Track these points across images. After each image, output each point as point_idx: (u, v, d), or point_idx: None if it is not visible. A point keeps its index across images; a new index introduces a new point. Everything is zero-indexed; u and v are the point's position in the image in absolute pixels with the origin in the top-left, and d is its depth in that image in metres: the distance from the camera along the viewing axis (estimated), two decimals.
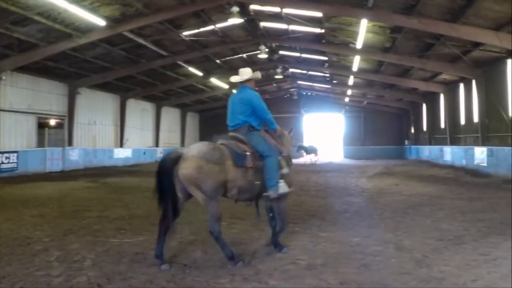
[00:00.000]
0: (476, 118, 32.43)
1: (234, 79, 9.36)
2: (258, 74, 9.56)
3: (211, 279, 6.87)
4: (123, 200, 16.33)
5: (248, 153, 8.36)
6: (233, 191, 8.22)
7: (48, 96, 33.47)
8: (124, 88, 42.06)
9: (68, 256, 8.19)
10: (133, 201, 16.13)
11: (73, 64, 31.96)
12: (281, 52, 41.54)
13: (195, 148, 8.07)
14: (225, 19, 27.33)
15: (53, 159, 32.04)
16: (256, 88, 9.63)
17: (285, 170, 8.70)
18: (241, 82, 9.28)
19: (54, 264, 7.70)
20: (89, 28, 25.85)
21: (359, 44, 29.31)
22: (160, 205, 7.83)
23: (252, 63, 42.72)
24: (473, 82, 31.55)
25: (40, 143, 33.54)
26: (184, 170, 7.69)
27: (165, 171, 7.79)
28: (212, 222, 7.77)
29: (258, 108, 8.85)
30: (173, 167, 7.76)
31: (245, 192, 8.40)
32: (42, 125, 35.16)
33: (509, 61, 26.91)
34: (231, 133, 8.90)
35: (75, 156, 34.87)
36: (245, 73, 9.34)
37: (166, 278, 6.91)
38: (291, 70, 49.40)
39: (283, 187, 8.53)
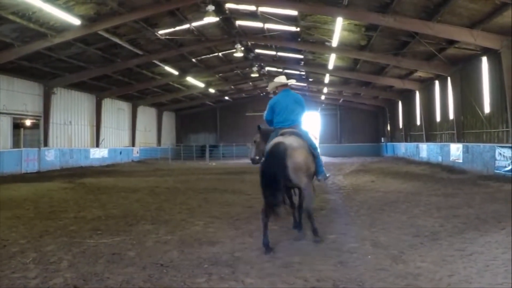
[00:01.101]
0: (451, 115, 32.68)
1: (278, 82, 10.70)
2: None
3: (188, 279, 6.86)
4: (99, 201, 16.24)
5: None
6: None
7: (23, 96, 33.11)
8: (99, 87, 41.79)
9: (44, 258, 8.13)
10: (109, 201, 16.06)
11: (48, 63, 31.70)
12: (257, 50, 41.46)
13: (295, 141, 9.20)
14: (201, 18, 27.30)
15: (29, 160, 31.77)
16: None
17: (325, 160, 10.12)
18: (283, 86, 10.60)
19: (30, 266, 7.63)
20: (64, 27, 25.66)
21: (334, 42, 29.44)
22: (268, 192, 8.58)
23: (228, 61, 42.87)
24: (449, 79, 31.80)
25: (16, 143, 33.23)
26: (299, 158, 8.90)
27: (281, 158, 8.71)
28: (309, 202, 9.36)
29: (304, 110, 10.41)
30: (285, 155, 8.75)
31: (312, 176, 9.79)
32: (17, 126, 34.89)
33: (484, 58, 27.15)
34: (287, 129, 9.85)
35: (51, 157, 34.62)
36: (285, 78, 10.85)
37: (143, 278, 6.87)
38: (267, 68, 49.38)
39: (328, 172, 10.34)
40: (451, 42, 26.26)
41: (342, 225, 10.81)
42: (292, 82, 11.10)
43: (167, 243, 9.26)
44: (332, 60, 36.10)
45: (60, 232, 10.48)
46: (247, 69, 47.96)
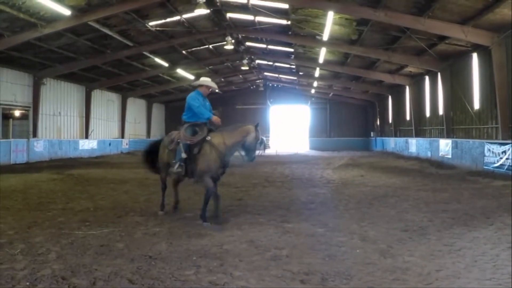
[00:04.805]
0: (441, 111, 32.84)
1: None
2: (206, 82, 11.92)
3: (176, 271, 6.86)
4: (88, 192, 16.20)
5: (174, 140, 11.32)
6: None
7: (12, 87, 32.91)
8: (89, 78, 41.65)
9: (32, 249, 8.09)
10: (98, 193, 16.03)
11: (37, 54, 31.43)
12: (248, 43, 41.42)
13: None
14: (192, 10, 27.09)
15: (18, 151, 31.51)
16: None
17: (183, 155, 10.77)
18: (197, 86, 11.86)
19: (18, 257, 7.59)
20: (54, 18, 25.48)
21: (325, 36, 29.37)
22: None
23: (218, 54, 42.67)
24: (439, 75, 31.89)
25: (5, 134, 33.06)
26: None
27: None
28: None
29: (188, 105, 11.53)
30: None
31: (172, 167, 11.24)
32: (6, 116, 34.73)
33: (474, 54, 27.22)
34: None
35: (40, 148, 34.40)
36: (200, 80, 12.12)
37: (131, 270, 6.86)
38: (257, 61, 49.35)
39: (174, 166, 10.99)
40: (442, 38, 26.30)
41: (331, 219, 10.82)
42: (198, 82, 12.06)
43: (155, 235, 9.27)
44: (322, 54, 36.08)
45: (49, 223, 10.46)
46: (237, 61, 47.84)
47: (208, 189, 10.53)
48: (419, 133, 38.52)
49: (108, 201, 13.91)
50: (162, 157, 11.63)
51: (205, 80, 11.88)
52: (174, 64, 42.30)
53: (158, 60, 39.45)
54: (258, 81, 62.95)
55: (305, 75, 52.74)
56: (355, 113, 64.01)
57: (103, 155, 42.58)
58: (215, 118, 11.17)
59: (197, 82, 11.82)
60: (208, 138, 10.79)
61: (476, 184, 17.80)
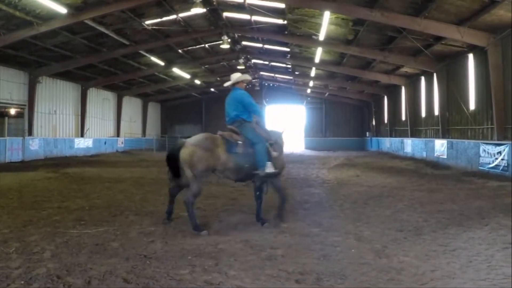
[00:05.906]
0: (436, 111, 32.85)
1: (226, 83, 11.19)
2: (245, 77, 11.12)
3: (171, 270, 6.86)
4: (83, 191, 16.19)
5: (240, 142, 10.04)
6: (225, 172, 10.15)
7: (7, 85, 32.81)
8: (85, 77, 41.53)
9: (27, 248, 8.09)
10: (93, 191, 16.01)
11: (33, 52, 31.39)
12: (244, 42, 41.38)
13: (195, 138, 10.05)
14: (188, 9, 27.14)
15: (13, 149, 31.40)
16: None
17: (274, 154, 10.02)
18: (235, 84, 10.82)
19: (13, 256, 7.59)
20: (50, 16, 25.43)
21: (321, 36, 29.40)
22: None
23: (214, 53, 42.70)
24: (434, 75, 31.94)
25: (0, 132, 32.96)
26: (183, 154, 9.80)
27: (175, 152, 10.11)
28: (188, 194, 9.79)
29: (246, 105, 10.40)
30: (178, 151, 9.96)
31: (235, 172, 10.18)
32: (1, 114, 34.66)
33: (470, 55, 27.25)
34: (228, 126, 10.45)
35: (35, 146, 34.30)
36: (237, 76, 10.98)
37: (126, 269, 6.84)
38: (253, 60, 49.39)
39: (269, 168, 9.93)
40: (438, 39, 26.35)
41: (326, 219, 10.83)
42: (237, 79, 10.90)
43: (150, 234, 9.28)
44: (318, 54, 36.09)
45: (44, 222, 10.45)
46: (234, 61, 47.82)
47: (281, 188, 10.77)
48: (414, 134, 38.58)
49: (104, 200, 13.91)
50: (207, 161, 9.79)
51: (238, 75, 11.04)
52: (170, 63, 42.29)
53: (154, 59, 39.44)
54: (254, 80, 62.87)
55: (301, 75, 52.77)
56: (351, 113, 64.15)
57: (99, 154, 42.51)
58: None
59: (234, 80, 10.80)
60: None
61: (471, 185, 17.83)
